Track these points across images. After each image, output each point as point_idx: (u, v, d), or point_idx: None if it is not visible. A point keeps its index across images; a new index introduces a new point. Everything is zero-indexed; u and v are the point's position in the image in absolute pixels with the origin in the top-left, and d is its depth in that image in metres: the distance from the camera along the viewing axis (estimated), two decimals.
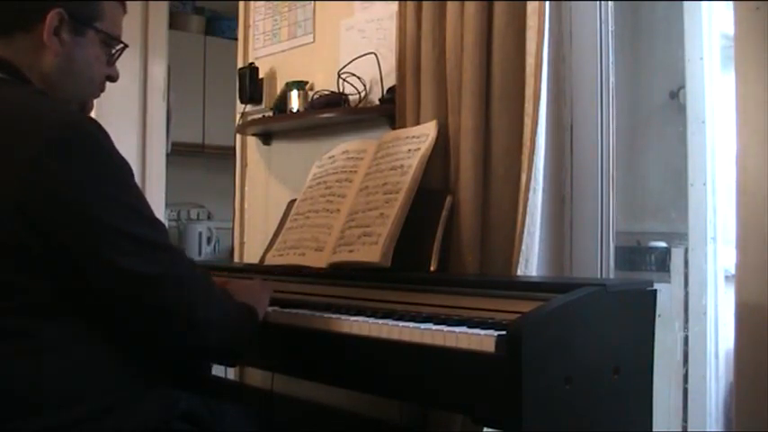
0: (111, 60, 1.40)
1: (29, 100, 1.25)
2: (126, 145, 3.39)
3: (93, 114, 1.38)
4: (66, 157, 1.16)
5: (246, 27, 2.84)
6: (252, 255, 2.70)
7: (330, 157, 2.14)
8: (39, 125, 1.18)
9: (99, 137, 1.21)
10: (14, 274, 1.16)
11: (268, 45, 2.72)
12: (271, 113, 2.54)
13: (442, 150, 1.90)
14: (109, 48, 1.39)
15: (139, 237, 1.21)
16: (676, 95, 2.65)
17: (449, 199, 1.83)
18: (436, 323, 1.34)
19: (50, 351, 1.18)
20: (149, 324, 1.26)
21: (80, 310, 1.20)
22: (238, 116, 2.72)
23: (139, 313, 1.24)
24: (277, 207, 2.41)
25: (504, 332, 1.20)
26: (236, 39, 2.92)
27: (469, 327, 1.28)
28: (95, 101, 1.44)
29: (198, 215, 4.94)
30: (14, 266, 1.15)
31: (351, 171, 2.02)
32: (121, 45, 1.40)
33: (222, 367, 2.52)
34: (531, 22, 1.81)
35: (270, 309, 1.58)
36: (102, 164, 1.20)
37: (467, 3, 1.87)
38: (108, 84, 1.43)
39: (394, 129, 2.08)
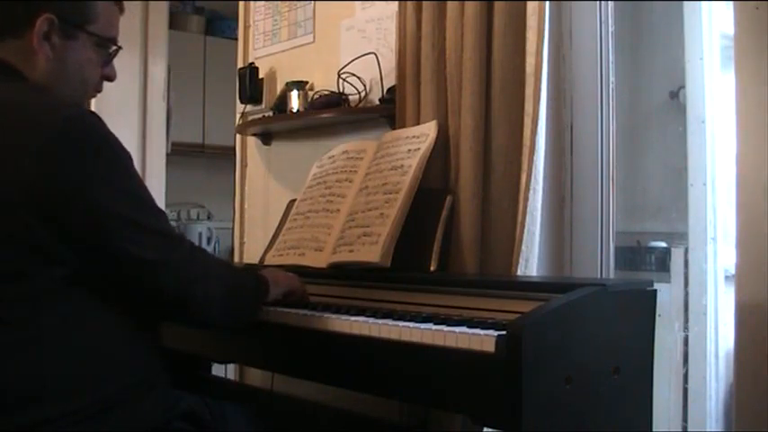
0: (107, 61, 1.40)
1: (29, 96, 1.27)
2: (126, 145, 3.36)
3: None
4: (70, 147, 1.18)
5: (246, 27, 2.84)
6: (252, 255, 2.69)
7: (330, 157, 2.14)
8: (42, 119, 1.20)
9: (100, 128, 1.23)
10: (23, 262, 1.17)
11: (268, 45, 2.72)
12: (271, 113, 2.54)
13: (441, 150, 1.90)
14: (103, 49, 1.38)
15: (141, 223, 1.24)
16: (676, 95, 2.64)
17: (449, 199, 1.83)
18: (436, 323, 1.34)
19: (51, 341, 1.19)
20: (151, 307, 1.31)
21: (83, 298, 1.22)
22: (238, 116, 2.72)
23: (141, 297, 1.28)
24: (277, 207, 2.41)
25: (504, 332, 1.19)
26: (236, 39, 2.92)
27: (469, 327, 1.28)
28: (94, 101, 1.44)
29: (198, 215, 4.94)
30: (23, 255, 1.17)
31: (351, 171, 2.02)
32: (115, 47, 1.40)
33: (222, 367, 2.53)
34: (531, 22, 1.81)
35: (270, 308, 1.59)
36: (104, 153, 1.22)
37: (467, 3, 1.87)
38: (108, 84, 1.43)
39: (394, 129, 2.07)
